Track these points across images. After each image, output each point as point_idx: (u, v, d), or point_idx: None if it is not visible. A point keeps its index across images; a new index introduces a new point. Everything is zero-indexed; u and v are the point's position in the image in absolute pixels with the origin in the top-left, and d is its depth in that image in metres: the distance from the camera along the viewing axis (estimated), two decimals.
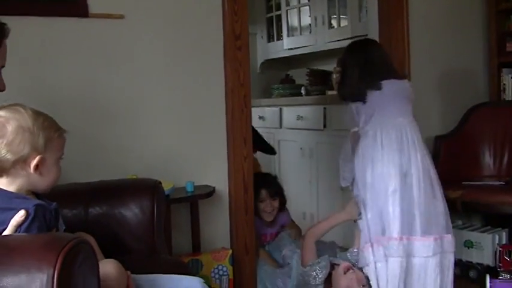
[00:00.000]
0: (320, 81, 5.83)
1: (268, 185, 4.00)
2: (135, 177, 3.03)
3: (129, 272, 1.90)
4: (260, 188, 3.88)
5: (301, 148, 5.42)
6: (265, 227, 4.01)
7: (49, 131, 1.73)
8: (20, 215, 1.62)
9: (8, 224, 1.62)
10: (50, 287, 1.35)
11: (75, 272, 1.41)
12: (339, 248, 3.88)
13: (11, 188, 1.72)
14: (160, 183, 2.65)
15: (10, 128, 1.67)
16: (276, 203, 3.98)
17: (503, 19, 4.49)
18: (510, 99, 4.47)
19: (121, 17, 3.17)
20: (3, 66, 2.00)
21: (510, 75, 4.47)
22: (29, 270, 1.37)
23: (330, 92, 5.38)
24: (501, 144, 4.33)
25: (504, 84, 4.47)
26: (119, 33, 3.13)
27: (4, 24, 1.98)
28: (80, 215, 2.41)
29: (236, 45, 3.47)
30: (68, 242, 1.43)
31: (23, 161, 1.69)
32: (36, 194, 1.79)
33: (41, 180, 1.74)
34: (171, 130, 3.35)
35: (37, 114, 1.73)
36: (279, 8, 6.56)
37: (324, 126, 5.13)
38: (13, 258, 1.42)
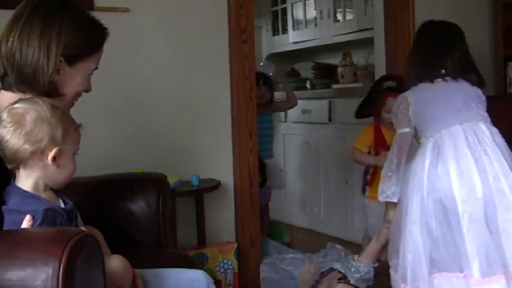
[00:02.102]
0: (325, 74, 5.84)
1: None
2: (140, 170, 3.03)
3: (136, 271, 1.90)
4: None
5: (306, 142, 5.42)
6: None
7: (66, 123, 1.73)
8: (27, 221, 1.63)
9: (20, 226, 1.63)
10: (55, 281, 1.35)
11: (80, 266, 1.41)
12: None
13: (28, 183, 1.71)
14: (165, 176, 2.65)
15: (29, 118, 1.67)
16: (260, 178, 4.00)
17: (510, 12, 4.47)
18: None
19: (127, 10, 3.18)
20: (96, 69, 2.00)
21: None
22: (35, 264, 1.38)
23: (335, 86, 5.39)
24: (508, 138, 4.31)
25: (510, 77, 4.45)
26: (125, 27, 3.13)
27: (106, 28, 1.99)
28: (86, 209, 2.42)
29: (241, 39, 3.47)
30: (73, 235, 1.43)
31: (41, 152, 1.68)
32: (54, 190, 1.79)
33: (58, 173, 1.74)
34: (176, 123, 3.35)
35: (55, 108, 1.73)
36: (284, 1, 6.54)
37: (329, 119, 5.13)
38: (19, 252, 1.43)
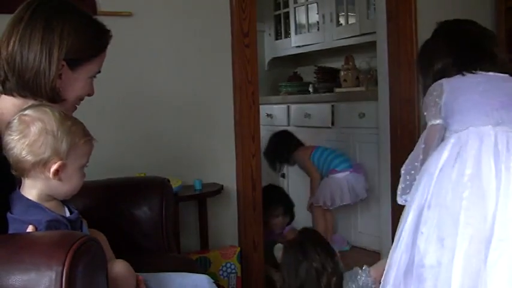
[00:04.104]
0: (328, 78, 5.83)
1: (285, 202, 4.09)
2: (143, 175, 3.03)
3: (140, 276, 1.90)
4: (277, 203, 4.07)
5: None
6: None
7: (74, 136, 1.69)
8: (29, 231, 1.63)
9: None
10: (58, 285, 1.35)
11: (83, 270, 1.41)
12: None
13: (33, 192, 1.70)
14: (168, 181, 2.65)
15: (34, 129, 1.64)
16: (288, 219, 4.06)
17: None
18: None
19: (129, 14, 3.18)
20: (99, 72, 1.98)
21: None
22: (38, 268, 1.38)
23: (337, 90, 5.39)
24: None
25: None
26: (127, 31, 3.13)
27: (109, 30, 1.97)
28: (89, 213, 2.42)
29: (244, 43, 3.47)
30: (77, 240, 1.43)
31: (43, 164, 1.66)
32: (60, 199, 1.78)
33: (60, 186, 1.71)
34: (178, 127, 3.35)
35: (65, 118, 1.69)
36: (286, 5, 6.55)
37: (332, 123, 5.12)
38: (22, 256, 1.43)
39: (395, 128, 4.12)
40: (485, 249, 2.00)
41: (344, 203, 4.61)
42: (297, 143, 4.95)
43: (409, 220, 2.21)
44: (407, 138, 3.99)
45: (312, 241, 2.83)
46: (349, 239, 4.87)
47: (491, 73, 2.39)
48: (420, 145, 2.40)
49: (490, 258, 1.99)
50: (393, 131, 4.14)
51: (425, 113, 2.46)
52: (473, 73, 2.39)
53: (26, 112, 1.68)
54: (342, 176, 4.60)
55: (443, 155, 2.22)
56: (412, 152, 2.44)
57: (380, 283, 2.39)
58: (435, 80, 2.44)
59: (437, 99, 2.37)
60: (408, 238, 2.19)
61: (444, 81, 2.40)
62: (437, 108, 2.37)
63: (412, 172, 2.38)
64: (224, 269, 3.36)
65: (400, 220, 2.29)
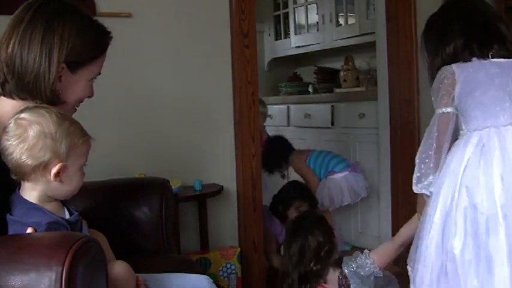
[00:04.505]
0: (328, 79, 5.83)
1: (310, 198, 4.08)
2: (143, 175, 3.03)
3: (140, 277, 1.89)
4: (302, 199, 4.05)
5: (308, 146, 5.42)
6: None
7: (73, 137, 1.69)
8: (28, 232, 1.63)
9: None
10: (58, 285, 1.35)
11: (83, 271, 1.41)
12: None
13: (33, 194, 1.70)
14: (168, 181, 2.65)
15: (32, 132, 1.63)
16: None
17: None
18: None
19: (129, 15, 3.18)
20: (99, 74, 1.97)
21: None
22: (38, 268, 1.38)
23: (337, 90, 5.39)
24: None
25: None
26: (127, 32, 3.13)
27: (110, 32, 1.96)
28: (89, 214, 2.42)
29: (244, 43, 3.47)
30: (76, 240, 1.43)
31: (44, 167, 1.65)
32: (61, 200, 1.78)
33: (62, 187, 1.71)
34: (178, 128, 3.35)
35: (62, 120, 1.68)
36: (286, 6, 6.56)
37: (332, 124, 5.13)
38: (22, 257, 1.43)
39: (395, 128, 4.12)
40: None
41: (345, 203, 4.59)
42: (288, 149, 4.90)
43: (436, 220, 2.18)
44: (407, 138, 3.99)
45: (310, 221, 2.87)
46: (350, 239, 4.87)
47: (502, 60, 2.29)
48: (433, 133, 2.29)
49: None
50: (393, 131, 4.15)
51: (433, 98, 2.36)
52: (486, 59, 2.28)
53: (23, 115, 1.67)
54: (341, 176, 4.58)
55: (467, 153, 2.18)
56: (424, 141, 2.33)
57: (378, 266, 2.56)
58: (445, 63, 2.34)
59: (449, 89, 2.27)
60: (438, 237, 2.17)
61: (455, 68, 2.28)
62: (449, 97, 2.27)
63: (427, 161, 2.28)
64: (224, 269, 3.36)
65: (424, 218, 2.26)
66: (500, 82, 2.23)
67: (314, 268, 2.69)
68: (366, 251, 2.68)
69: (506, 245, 2.03)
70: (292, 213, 4.04)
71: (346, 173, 4.57)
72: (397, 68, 4.10)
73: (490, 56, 2.29)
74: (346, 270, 2.66)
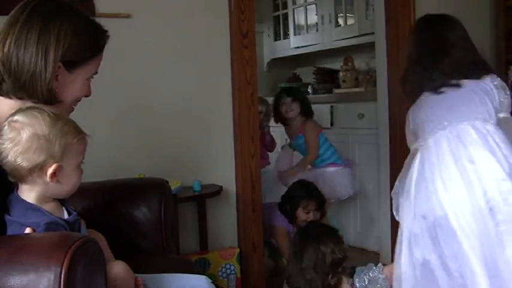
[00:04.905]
0: (327, 79, 5.84)
1: (317, 197, 4.07)
2: (142, 176, 3.03)
3: (140, 278, 1.89)
4: (309, 198, 4.03)
5: None
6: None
7: (67, 137, 1.68)
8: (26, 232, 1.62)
9: None
10: (57, 286, 1.35)
11: (82, 271, 1.41)
12: None
13: (31, 195, 1.69)
14: (167, 182, 2.65)
15: (25, 135, 1.63)
16: (318, 215, 4.04)
17: None
18: None
19: (128, 16, 3.18)
20: (96, 73, 1.97)
21: None
22: (37, 269, 1.38)
23: (336, 90, 5.39)
24: None
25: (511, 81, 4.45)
26: (126, 32, 3.13)
27: (107, 31, 1.95)
28: (88, 214, 2.42)
29: (243, 44, 3.47)
30: (75, 240, 1.43)
31: (39, 168, 1.65)
32: (60, 199, 1.77)
33: (60, 187, 1.71)
34: (177, 129, 3.35)
35: (56, 120, 1.67)
36: (285, 6, 6.56)
37: (331, 124, 5.13)
38: (21, 257, 1.43)
39: (394, 128, 4.12)
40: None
41: (345, 197, 4.65)
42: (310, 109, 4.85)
43: (404, 238, 2.40)
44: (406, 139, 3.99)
45: (319, 228, 2.88)
46: (349, 239, 4.87)
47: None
48: (403, 168, 2.62)
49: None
50: (392, 131, 4.14)
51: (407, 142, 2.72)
52: (442, 91, 2.54)
53: (16, 118, 1.66)
54: (340, 169, 4.62)
55: (414, 172, 2.43)
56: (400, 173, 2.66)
57: (390, 284, 2.57)
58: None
59: (409, 128, 2.65)
60: (406, 251, 2.37)
61: (410, 109, 2.67)
62: (411, 134, 2.64)
63: (397, 191, 2.59)
64: (223, 270, 3.36)
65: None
66: (444, 101, 2.51)
67: (332, 283, 2.64)
68: (380, 265, 2.67)
69: (468, 244, 2.20)
70: (300, 213, 4.04)
71: (342, 167, 4.60)
72: (396, 68, 4.09)
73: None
74: (357, 285, 2.65)
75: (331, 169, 4.62)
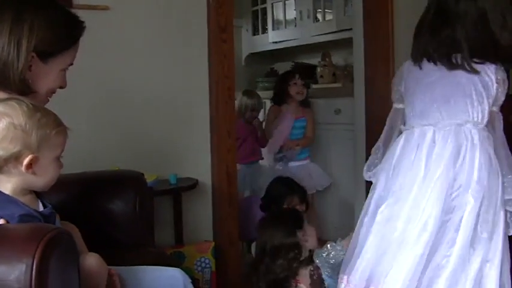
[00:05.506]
0: (305, 74, 5.84)
1: (299, 190, 4.09)
2: (117, 168, 3.02)
3: (113, 270, 1.89)
4: (292, 194, 4.05)
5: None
6: None
7: (45, 128, 1.68)
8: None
9: None
10: (28, 277, 1.34)
11: (54, 263, 1.40)
12: None
13: (8, 186, 1.68)
14: (143, 175, 2.65)
15: (1, 124, 1.62)
16: (303, 207, 4.06)
17: None
18: None
19: (106, 8, 3.16)
20: (71, 64, 1.96)
21: None
22: (9, 261, 1.37)
23: (314, 86, 5.41)
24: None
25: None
26: (104, 25, 3.11)
27: (83, 22, 1.94)
28: (63, 207, 2.41)
29: (221, 38, 3.47)
30: (48, 232, 1.42)
31: (15, 159, 1.64)
32: (36, 192, 1.77)
33: (36, 179, 1.71)
34: (154, 122, 3.34)
35: (34, 111, 1.67)
36: (264, 1, 6.56)
37: None
38: None
39: (370, 124, 4.14)
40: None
41: (318, 189, 4.86)
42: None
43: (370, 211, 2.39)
44: None
45: (272, 221, 2.90)
46: (327, 234, 4.89)
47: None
48: (386, 126, 2.57)
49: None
50: (369, 127, 4.17)
51: (392, 92, 2.57)
52: (437, 68, 2.35)
53: None
54: (312, 162, 4.83)
55: (395, 155, 2.37)
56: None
57: None
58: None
59: (399, 87, 2.50)
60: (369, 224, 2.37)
61: (406, 66, 2.48)
62: (399, 94, 2.50)
63: (376, 151, 2.57)
64: (199, 263, 3.36)
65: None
66: (433, 91, 2.34)
67: (281, 276, 2.69)
68: (339, 239, 2.73)
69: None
70: None
71: (308, 161, 4.75)
72: (373, 64, 4.12)
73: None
74: (317, 260, 2.70)
75: (309, 162, 4.72)
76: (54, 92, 1.95)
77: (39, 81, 1.85)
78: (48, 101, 1.94)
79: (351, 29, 4.58)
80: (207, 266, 3.38)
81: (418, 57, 2.42)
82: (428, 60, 2.37)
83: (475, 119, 2.26)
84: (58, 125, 1.73)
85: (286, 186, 4.12)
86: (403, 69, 2.50)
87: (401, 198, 2.25)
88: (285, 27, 6.31)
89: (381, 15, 4.06)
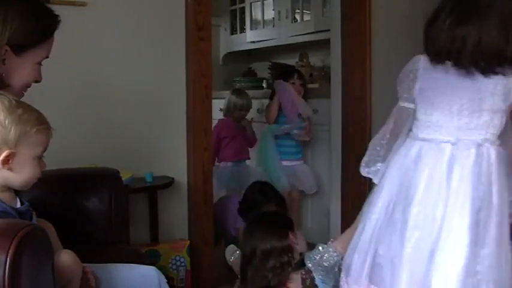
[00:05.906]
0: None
1: (275, 197, 4.06)
2: (93, 166, 3.01)
3: (87, 268, 1.89)
4: (269, 200, 3.95)
5: (260, 141, 5.43)
6: None
7: (25, 125, 1.67)
8: None
9: None
10: (1, 273, 1.34)
11: (28, 259, 1.40)
12: None
13: None
14: (118, 172, 2.64)
15: None
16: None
17: None
18: None
19: (83, 4, 3.15)
20: (47, 57, 1.94)
21: None
22: None
23: None
24: None
25: None
26: (81, 21, 3.10)
27: (57, 16, 1.93)
28: (38, 203, 2.39)
29: (199, 36, 3.46)
30: (22, 228, 1.42)
31: None
32: (15, 190, 1.75)
33: (13, 175, 1.70)
34: (131, 119, 3.33)
35: (15, 107, 1.66)
36: (242, 0, 6.56)
37: None
38: None
39: (347, 125, 4.17)
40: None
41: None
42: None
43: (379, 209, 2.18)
44: (358, 135, 4.04)
45: (262, 224, 2.75)
46: (306, 236, 4.90)
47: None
48: (389, 125, 2.26)
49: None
50: (345, 128, 4.19)
51: (398, 88, 2.23)
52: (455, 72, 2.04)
53: None
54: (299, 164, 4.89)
55: (406, 161, 2.12)
56: (382, 128, 2.28)
57: (341, 255, 2.41)
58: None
59: (411, 84, 2.15)
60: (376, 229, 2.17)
61: (423, 63, 2.12)
62: (409, 93, 2.16)
63: (378, 149, 2.28)
64: (174, 262, 3.36)
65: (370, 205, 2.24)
66: (451, 97, 2.07)
67: (273, 281, 2.57)
68: (330, 241, 2.57)
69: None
70: None
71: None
72: (350, 65, 4.14)
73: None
74: (309, 264, 2.54)
75: (302, 163, 4.88)
76: (29, 86, 1.94)
77: (13, 75, 1.83)
78: (23, 95, 1.93)
79: (328, 30, 4.59)
80: (182, 264, 3.37)
81: (436, 57, 2.10)
82: (447, 62, 2.08)
83: (493, 138, 2.08)
84: (40, 123, 1.73)
85: (262, 194, 4.08)
86: (418, 65, 2.15)
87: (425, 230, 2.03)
88: (263, 27, 6.32)
89: (359, 17, 4.08)
